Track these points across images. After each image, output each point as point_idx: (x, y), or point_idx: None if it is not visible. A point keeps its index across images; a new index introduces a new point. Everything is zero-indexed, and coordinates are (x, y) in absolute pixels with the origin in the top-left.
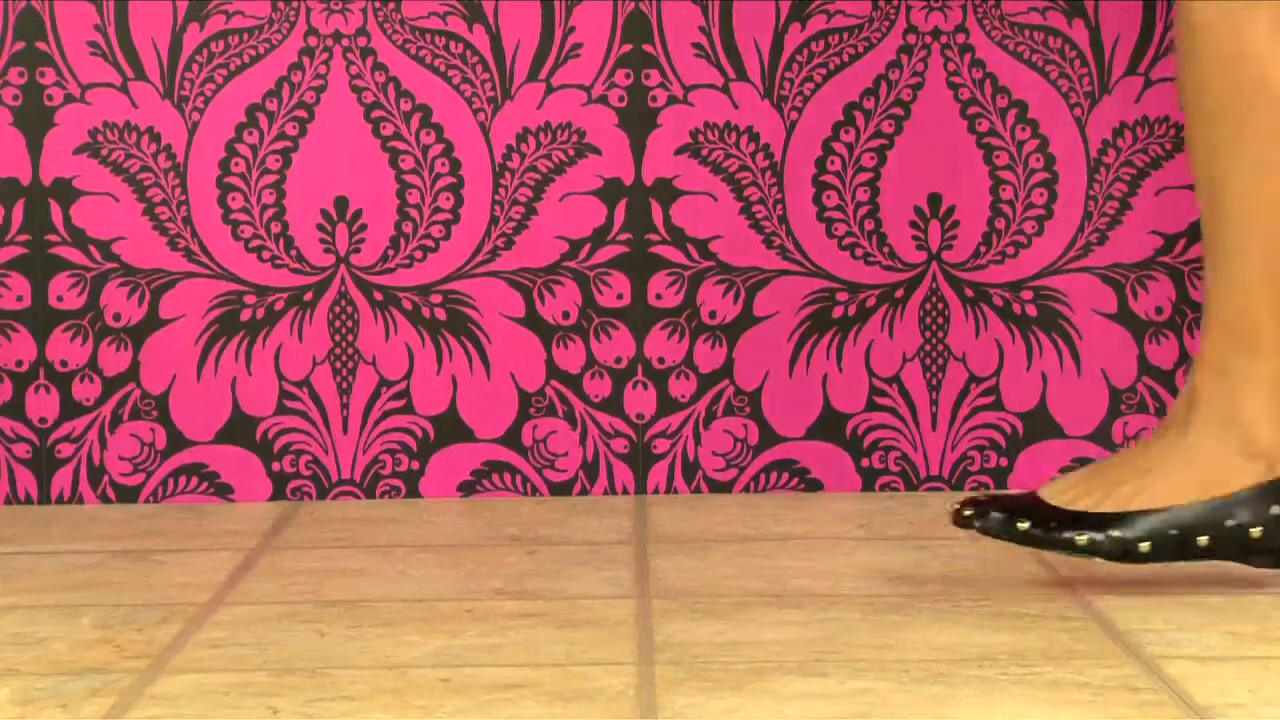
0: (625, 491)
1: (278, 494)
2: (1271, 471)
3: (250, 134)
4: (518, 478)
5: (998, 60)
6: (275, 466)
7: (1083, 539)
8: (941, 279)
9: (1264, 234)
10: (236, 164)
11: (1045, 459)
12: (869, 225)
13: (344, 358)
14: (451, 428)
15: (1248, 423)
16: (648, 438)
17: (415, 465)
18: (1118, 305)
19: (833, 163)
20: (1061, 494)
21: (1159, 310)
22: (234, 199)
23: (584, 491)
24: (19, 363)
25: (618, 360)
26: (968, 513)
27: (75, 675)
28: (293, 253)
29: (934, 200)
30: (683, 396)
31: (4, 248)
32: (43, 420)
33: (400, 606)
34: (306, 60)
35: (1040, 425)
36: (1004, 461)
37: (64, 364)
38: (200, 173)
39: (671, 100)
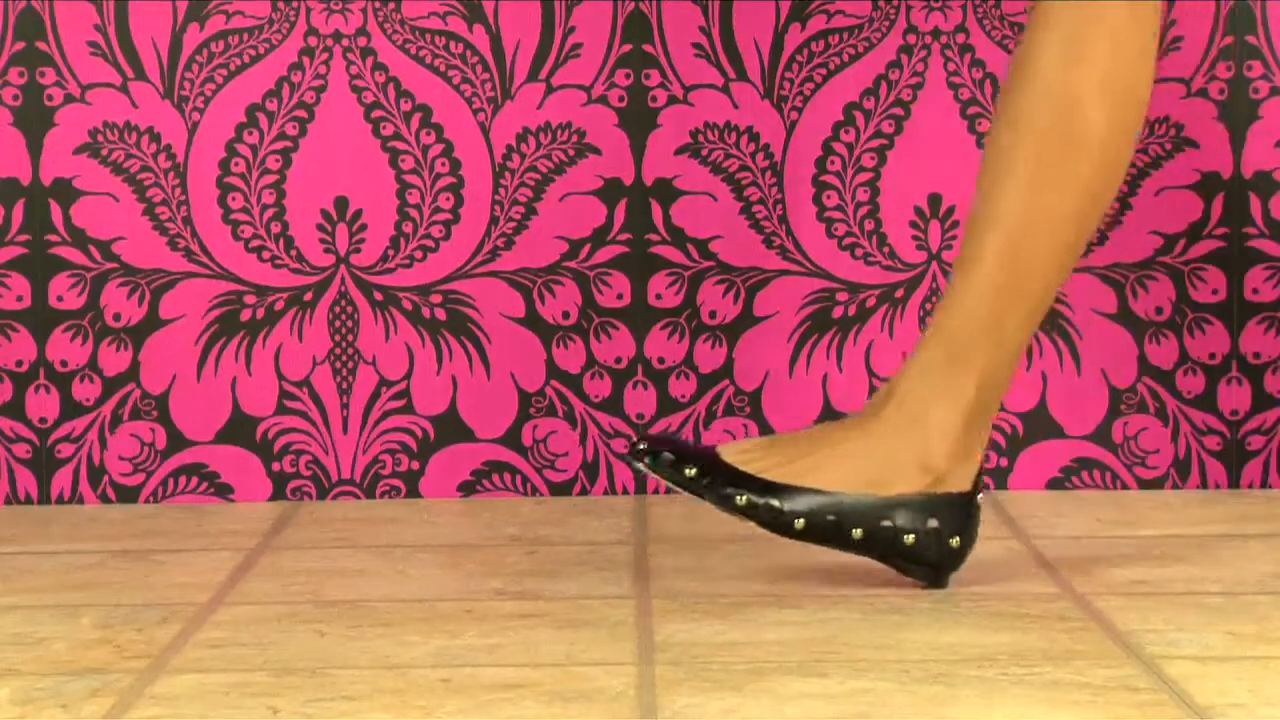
0: (625, 491)
1: (278, 494)
2: (937, 486)
3: (250, 134)
4: (518, 478)
5: (998, 60)
6: (275, 466)
7: (742, 499)
8: (942, 279)
9: (1010, 264)
10: (236, 164)
11: (1045, 459)
12: (869, 225)
13: (344, 358)
14: (451, 428)
15: (931, 432)
16: None
17: (415, 465)
18: (1118, 305)
19: (833, 163)
20: (738, 454)
21: (1159, 310)
22: (234, 199)
23: (584, 491)
24: (19, 363)
25: (618, 360)
26: (641, 447)
27: (75, 675)
28: (293, 253)
29: (934, 200)
30: (683, 396)
31: (4, 248)
32: (43, 420)
33: (400, 607)
34: (306, 60)
35: (1040, 425)
36: (1004, 461)
37: (64, 364)
38: (200, 173)
39: (671, 100)
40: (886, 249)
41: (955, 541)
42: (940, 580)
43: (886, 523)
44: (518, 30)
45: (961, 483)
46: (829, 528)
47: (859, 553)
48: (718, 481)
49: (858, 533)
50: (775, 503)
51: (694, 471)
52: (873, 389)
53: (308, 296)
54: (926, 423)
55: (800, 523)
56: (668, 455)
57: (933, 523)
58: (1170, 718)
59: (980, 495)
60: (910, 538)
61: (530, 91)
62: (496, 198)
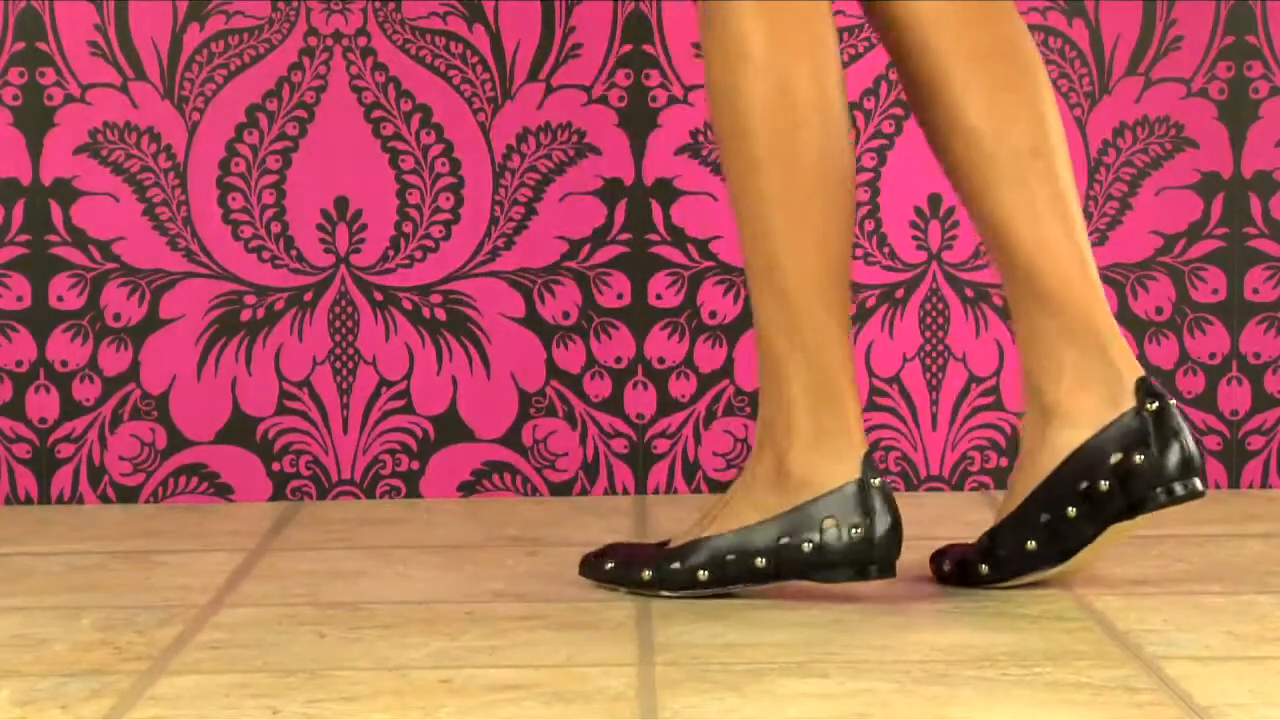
0: (625, 491)
1: (278, 494)
2: (804, 491)
3: (250, 134)
4: (518, 478)
5: None
6: (275, 466)
7: (647, 575)
8: (941, 279)
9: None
10: (236, 164)
11: None
12: (869, 225)
13: (344, 358)
14: (451, 428)
15: (776, 444)
16: (648, 438)
17: (415, 465)
18: (1118, 305)
19: None
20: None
21: (1159, 310)
22: (234, 199)
23: (584, 491)
24: (19, 363)
25: (618, 360)
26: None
27: (75, 676)
28: (293, 253)
29: (934, 200)
30: (683, 396)
31: (4, 248)
32: (43, 420)
33: (400, 608)
34: (306, 60)
35: None
36: (1004, 461)
37: (64, 364)
38: (200, 173)
39: (671, 100)
40: (887, 249)
41: (858, 531)
42: (867, 572)
43: (785, 539)
44: (518, 30)
45: (833, 478)
46: (732, 566)
47: (773, 579)
48: (633, 565)
49: (761, 561)
50: (675, 565)
51: (611, 565)
52: (873, 389)
53: (308, 296)
54: (771, 439)
55: (703, 574)
56: (589, 556)
57: (827, 522)
58: (1170, 718)
59: (877, 479)
60: (809, 545)
61: (530, 91)
62: (496, 198)
